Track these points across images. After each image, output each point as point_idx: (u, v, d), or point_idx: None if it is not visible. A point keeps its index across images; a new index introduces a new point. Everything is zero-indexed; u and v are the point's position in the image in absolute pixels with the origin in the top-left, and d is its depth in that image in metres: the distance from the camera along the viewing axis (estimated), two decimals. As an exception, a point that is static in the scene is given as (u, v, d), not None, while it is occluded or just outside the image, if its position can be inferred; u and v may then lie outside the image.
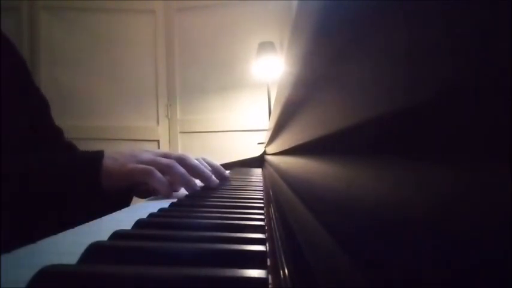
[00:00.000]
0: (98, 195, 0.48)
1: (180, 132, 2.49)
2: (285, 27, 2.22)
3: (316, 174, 0.24)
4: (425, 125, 0.09)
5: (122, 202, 0.53)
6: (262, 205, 0.41)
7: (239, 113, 2.40)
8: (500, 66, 0.06)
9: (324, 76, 0.20)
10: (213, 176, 0.59)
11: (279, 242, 0.24)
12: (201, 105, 2.46)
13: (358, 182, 0.14)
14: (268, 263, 0.20)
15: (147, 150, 0.56)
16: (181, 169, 0.53)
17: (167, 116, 2.49)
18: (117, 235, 0.25)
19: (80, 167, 0.49)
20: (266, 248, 0.22)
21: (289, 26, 0.41)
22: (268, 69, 1.93)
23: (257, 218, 0.33)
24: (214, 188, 0.59)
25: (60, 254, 0.22)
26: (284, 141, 0.56)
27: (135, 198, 0.62)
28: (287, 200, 0.36)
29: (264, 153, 1.47)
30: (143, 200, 0.53)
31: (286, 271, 0.19)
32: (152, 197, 0.54)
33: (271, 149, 1.02)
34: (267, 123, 1.62)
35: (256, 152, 1.57)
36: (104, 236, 0.24)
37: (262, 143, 1.62)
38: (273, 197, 0.48)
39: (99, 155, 0.50)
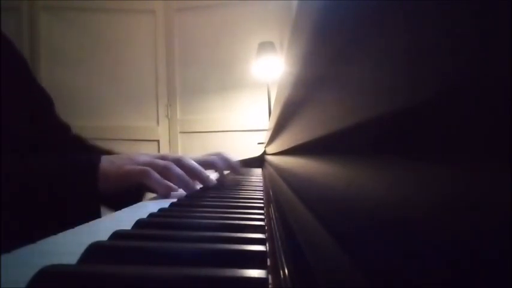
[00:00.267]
0: (95, 198, 0.49)
1: (180, 132, 2.49)
2: (285, 27, 2.22)
3: (316, 174, 0.24)
4: (425, 125, 0.09)
5: (125, 203, 0.54)
6: (262, 205, 0.41)
7: (239, 113, 2.40)
8: (500, 66, 0.06)
9: (324, 76, 0.20)
10: (210, 177, 0.59)
11: (279, 242, 0.24)
12: (201, 105, 2.46)
13: (358, 181, 0.14)
14: (268, 263, 0.20)
15: (144, 154, 0.57)
16: (179, 170, 0.54)
17: (167, 116, 2.49)
18: (117, 235, 0.25)
19: (76, 170, 0.49)
20: (266, 248, 0.22)
21: (289, 26, 0.41)
22: (268, 69, 1.93)
23: (257, 218, 0.33)
24: (214, 188, 0.59)
25: (60, 254, 0.22)
26: (284, 141, 0.56)
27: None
28: (287, 200, 0.36)
29: (264, 153, 1.47)
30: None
31: (286, 271, 0.19)
32: (155, 196, 0.55)
33: (271, 149, 1.02)
34: (267, 123, 1.62)
35: (256, 152, 1.57)
36: (104, 236, 0.24)
37: (262, 143, 1.62)
38: (273, 197, 0.48)
39: (96, 158, 0.51)
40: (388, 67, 0.11)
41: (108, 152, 0.76)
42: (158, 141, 2.48)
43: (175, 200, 0.45)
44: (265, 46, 1.95)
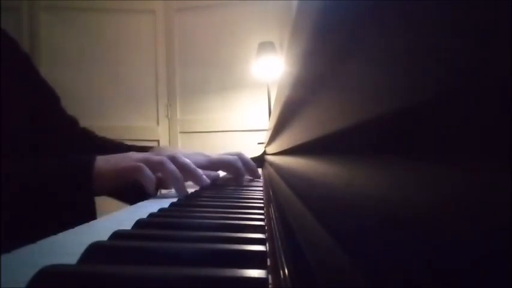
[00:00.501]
0: (90, 197, 0.49)
1: (180, 132, 2.49)
2: (285, 27, 2.22)
3: (316, 174, 0.24)
4: (425, 125, 0.09)
5: (138, 197, 0.54)
6: (262, 205, 0.41)
7: (239, 113, 2.40)
8: (500, 66, 0.06)
9: (324, 76, 0.20)
10: (204, 176, 0.59)
11: (279, 242, 0.24)
12: (201, 105, 2.46)
13: (358, 181, 0.14)
14: (268, 263, 0.20)
15: (140, 152, 0.57)
16: (172, 166, 0.54)
17: (167, 116, 2.49)
18: (117, 235, 0.25)
19: (71, 169, 0.49)
20: (266, 248, 0.22)
21: (289, 26, 0.41)
22: (268, 69, 1.93)
23: (257, 218, 0.33)
24: (214, 188, 0.59)
25: (60, 254, 0.22)
26: (284, 141, 0.56)
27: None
28: (287, 200, 0.36)
29: (264, 153, 1.47)
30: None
31: (286, 271, 0.19)
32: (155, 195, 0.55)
33: (271, 149, 1.02)
34: (267, 123, 1.62)
35: (256, 152, 1.57)
36: (104, 236, 0.24)
37: (262, 143, 1.62)
38: (273, 197, 0.48)
39: (91, 158, 0.51)
40: (388, 67, 0.11)
41: (118, 143, 0.78)
42: (158, 141, 2.47)
43: (175, 199, 0.45)
44: (265, 46, 1.95)
